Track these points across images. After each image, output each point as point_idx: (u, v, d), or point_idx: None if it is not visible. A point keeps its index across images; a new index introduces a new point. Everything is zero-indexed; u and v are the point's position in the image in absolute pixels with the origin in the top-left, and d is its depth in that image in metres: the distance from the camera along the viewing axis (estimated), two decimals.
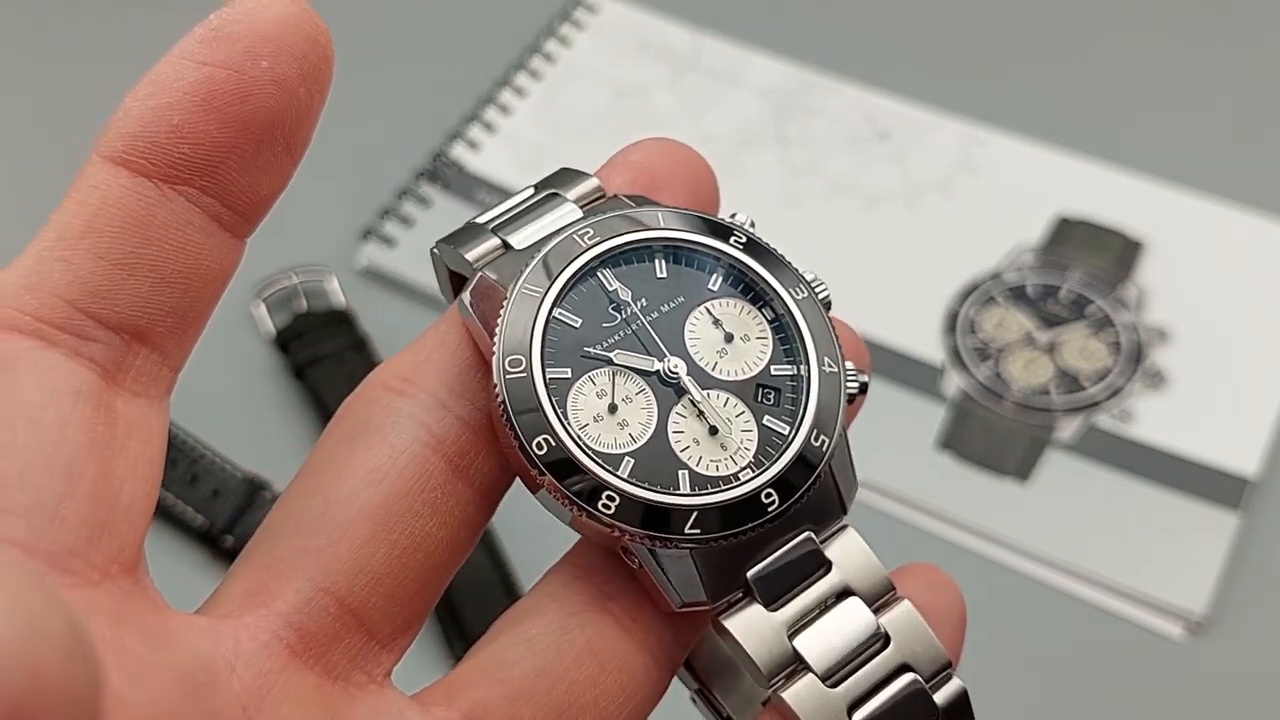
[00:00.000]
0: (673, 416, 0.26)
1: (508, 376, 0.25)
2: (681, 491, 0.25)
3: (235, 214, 0.24)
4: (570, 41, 0.69)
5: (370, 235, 0.62)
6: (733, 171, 0.64)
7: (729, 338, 0.27)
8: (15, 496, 0.21)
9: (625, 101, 0.67)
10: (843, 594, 0.26)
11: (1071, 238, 0.62)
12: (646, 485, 0.25)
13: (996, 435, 0.56)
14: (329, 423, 0.26)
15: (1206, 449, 0.55)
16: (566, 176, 0.28)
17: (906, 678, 0.26)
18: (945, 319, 0.59)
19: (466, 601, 0.50)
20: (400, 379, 0.26)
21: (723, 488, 0.25)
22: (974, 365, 0.58)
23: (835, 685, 0.25)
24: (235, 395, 0.58)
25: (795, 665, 0.25)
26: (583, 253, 0.26)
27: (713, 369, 0.26)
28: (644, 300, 0.26)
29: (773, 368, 0.27)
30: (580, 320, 0.26)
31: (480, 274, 0.26)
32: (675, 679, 0.27)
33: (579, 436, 0.25)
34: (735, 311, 0.27)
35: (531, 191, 0.28)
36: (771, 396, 0.26)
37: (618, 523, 0.24)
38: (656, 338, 0.26)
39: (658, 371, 0.26)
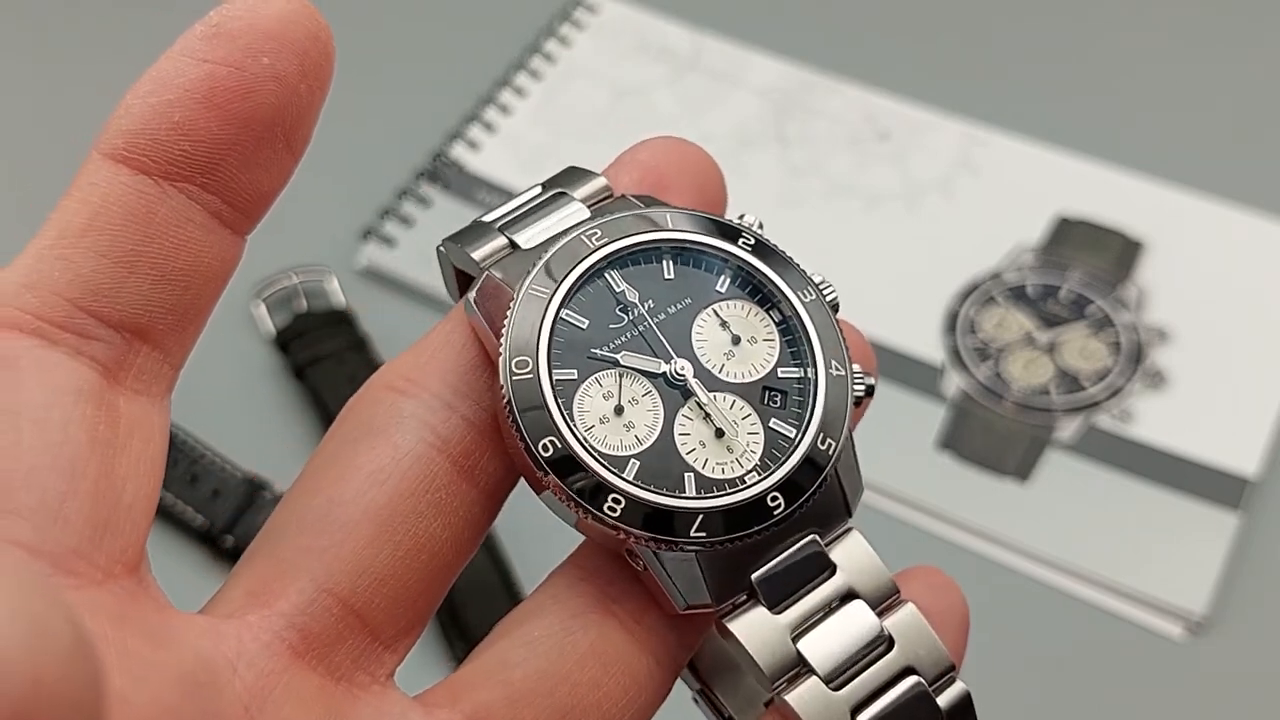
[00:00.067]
0: (679, 419, 0.26)
1: (514, 377, 0.25)
2: (687, 494, 0.25)
3: (236, 211, 0.24)
4: (570, 41, 0.69)
5: (370, 235, 0.62)
6: (733, 171, 0.63)
7: (736, 340, 0.26)
8: (21, 498, 0.21)
9: (625, 101, 0.67)
10: (847, 597, 0.26)
11: (1071, 238, 0.62)
12: (652, 487, 0.25)
13: (996, 435, 0.56)
14: (332, 423, 0.26)
15: (1206, 449, 0.55)
16: (574, 176, 0.28)
17: (910, 681, 0.26)
18: (945, 319, 0.59)
19: (468, 603, 0.50)
20: (404, 379, 0.26)
21: (728, 491, 0.25)
22: (974, 365, 0.58)
23: (839, 688, 0.25)
24: (235, 395, 0.58)
25: (799, 668, 0.25)
26: (590, 253, 0.26)
27: (720, 371, 0.26)
28: (651, 301, 0.26)
29: (780, 370, 0.26)
30: (587, 321, 0.26)
31: (487, 273, 0.26)
32: (677, 679, 0.27)
33: (585, 438, 0.25)
34: (743, 313, 0.27)
35: (539, 190, 0.28)
36: (778, 399, 0.26)
37: (623, 525, 0.24)
38: (664, 339, 0.26)
39: (664, 373, 0.26)
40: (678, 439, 0.25)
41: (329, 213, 0.62)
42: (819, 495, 0.26)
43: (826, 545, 0.26)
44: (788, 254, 0.27)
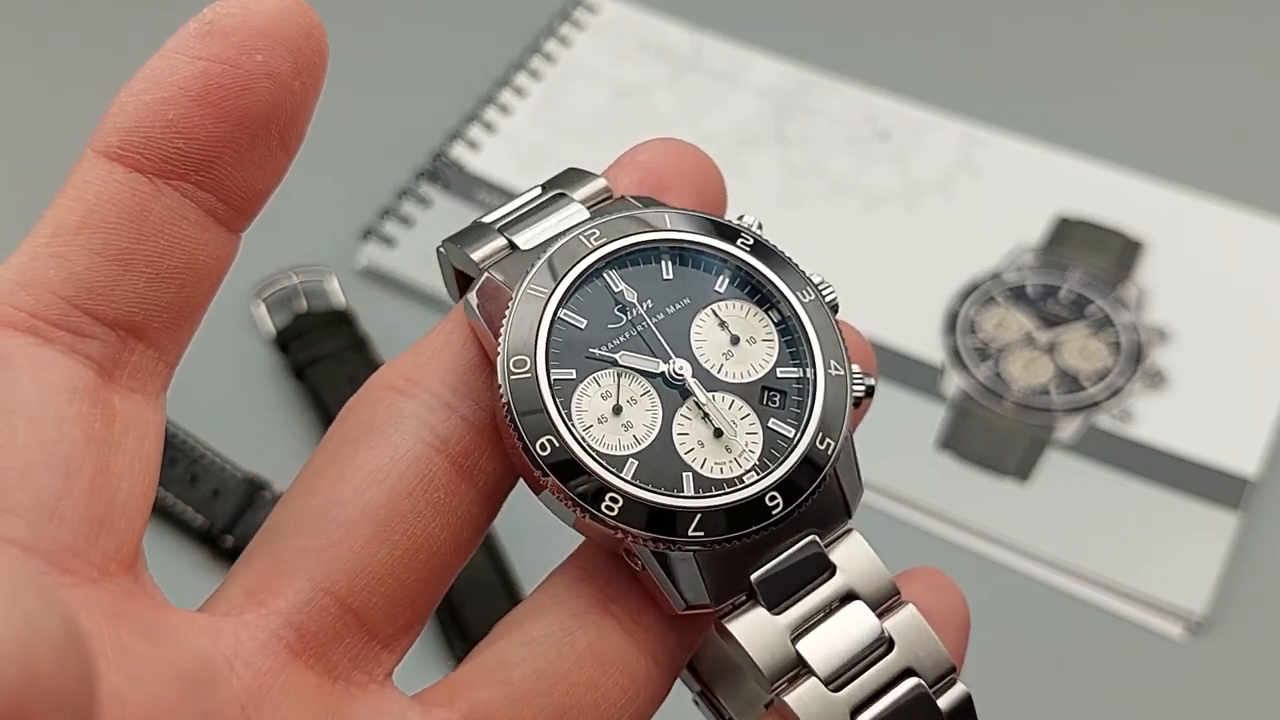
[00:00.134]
0: (678, 418, 0.26)
1: (512, 377, 0.25)
2: (686, 494, 0.25)
3: (230, 209, 0.24)
4: (570, 41, 0.69)
5: (370, 235, 0.62)
6: (733, 171, 0.64)
7: (735, 340, 0.26)
8: (16, 496, 0.21)
9: (625, 101, 0.67)
10: (847, 598, 0.26)
11: (1071, 238, 0.62)
12: (651, 487, 0.25)
13: (996, 435, 0.56)
14: (332, 423, 0.26)
15: (1206, 449, 0.55)
16: (574, 177, 0.28)
17: (910, 682, 0.25)
18: (945, 319, 0.59)
19: (467, 602, 0.50)
20: (404, 379, 0.26)
21: (727, 490, 0.25)
22: (974, 365, 0.58)
23: (838, 689, 0.25)
24: (235, 395, 0.58)
25: (798, 669, 0.25)
26: (589, 253, 0.26)
27: (718, 371, 0.26)
28: (650, 302, 0.26)
29: (779, 370, 0.26)
30: (586, 321, 0.26)
31: (486, 274, 0.26)
32: (678, 681, 0.27)
33: (583, 438, 0.25)
34: (741, 314, 0.27)
35: (538, 191, 0.28)
36: (777, 399, 0.26)
37: (621, 525, 0.24)
38: (662, 339, 0.26)
39: (663, 373, 0.26)
40: (676, 439, 0.25)
41: (329, 213, 0.62)
42: (818, 495, 0.26)
43: (826, 546, 0.26)
44: (787, 254, 0.27)
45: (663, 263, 0.27)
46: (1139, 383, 0.57)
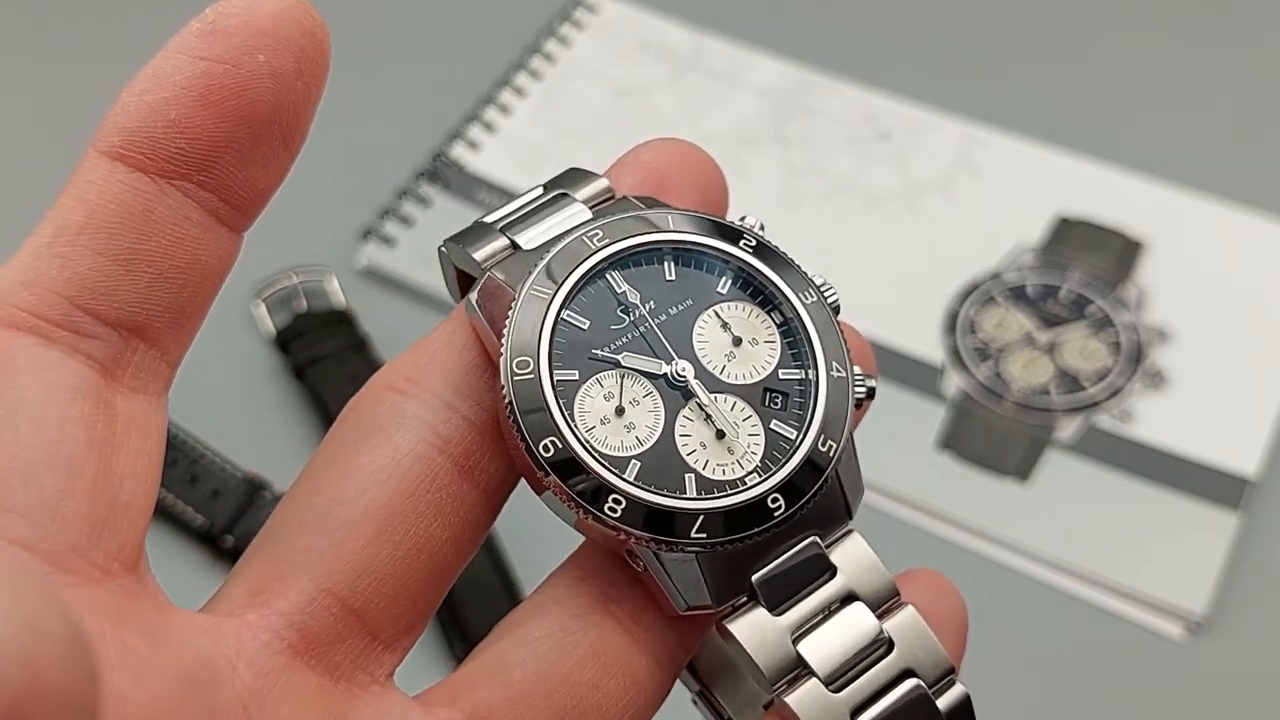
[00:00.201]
0: (680, 420, 0.26)
1: (515, 378, 0.25)
2: (688, 495, 0.25)
3: (232, 209, 0.24)
4: (570, 41, 0.69)
5: (370, 235, 0.62)
6: (733, 171, 0.63)
7: (737, 341, 0.26)
8: (19, 495, 0.21)
9: (625, 101, 0.67)
10: (847, 599, 0.26)
11: (1071, 238, 0.62)
12: (653, 488, 0.25)
13: (996, 435, 0.56)
14: (333, 423, 0.26)
15: (1206, 449, 0.55)
16: (576, 177, 0.28)
17: (910, 683, 0.26)
18: (945, 319, 0.59)
19: (467, 602, 0.50)
20: (405, 379, 0.26)
21: (729, 492, 0.25)
22: (974, 365, 0.58)
23: (838, 690, 0.25)
24: (235, 395, 0.58)
25: (799, 669, 0.25)
26: (591, 254, 0.26)
27: (721, 372, 0.26)
28: (652, 303, 0.26)
29: (781, 372, 0.26)
30: (588, 322, 0.26)
31: (488, 274, 0.26)
32: (677, 681, 0.27)
33: (586, 439, 0.25)
34: (744, 315, 0.27)
35: (540, 191, 0.28)
36: (779, 401, 0.26)
37: (623, 525, 0.24)
38: (665, 340, 0.26)
39: (665, 374, 0.26)
40: (678, 440, 0.25)
41: (329, 213, 0.62)
42: (819, 497, 0.26)
43: (827, 547, 0.26)
44: (789, 256, 0.27)
45: (665, 264, 0.27)
46: (1139, 383, 0.57)
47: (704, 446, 0.25)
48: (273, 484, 0.54)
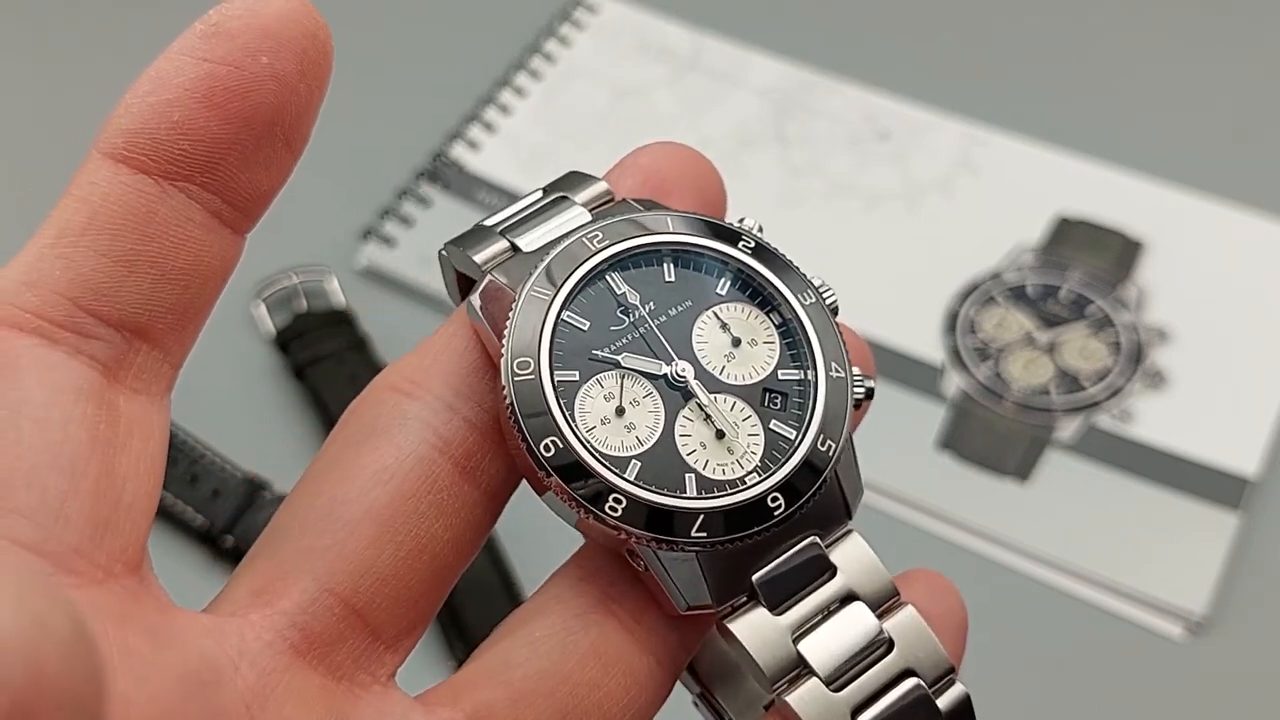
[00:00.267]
0: (680, 420, 0.26)
1: (516, 379, 0.25)
2: (688, 495, 0.25)
3: (235, 210, 0.24)
4: (570, 41, 0.69)
5: (370, 235, 0.62)
6: (733, 171, 0.64)
7: (736, 342, 0.27)
8: (22, 496, 0.21)
9: (625, 102, 0.67)
10: (847, 599, 0.26)
11: (1071, 238, 0.62)
12: (653, 488, 0.25)
13: (996, 435, 0.56)
14: (336, 424, 0.26)
15: (1206, 449, 0.55)
16: (575, 180, 0.28)
17: (910, 683, 0.26)
18: (945, 319, 0.59)
19: (468, 603, 0.50)
20: (407, 381, 0.26)
21: (729, 491, 0.25)
22: (974, 365, 0.58)
23: (839, 689, 0.25)
24: (235, 395, 0.58)
25: (799, 669, 0.25)
26: (591, 256, 0.26)
27: (720, 373, 0.26)
28: (652, 304, 0.26)
29: (780, 372, 0.27)
30: (588, 323, 0.26)
31: (489, 276, 0.26)
32: (677, 682, 0.27)
33: (586, 439, 0.25)
34: (743, 316, 0.27)
35: (540, 194, 0.28)
36: (778, 401, 0.26)
37: (624, 525, 0.24)
38: (664, 341, 0.26)
39: (665, 375, 0.26)
40: (678, 440, 0.25)
41: (329, 213, 0.62)
42: (819, 497, 0.26)
43: (827, 547, 0.26)
44: (788, 257, 0.27)
45: (665, 265, 0.27)
46: (1139, 383, 0.57)
47: (704, 446, 0.26)
48: (273, 484, 0.54)
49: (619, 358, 0.26)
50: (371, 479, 0.25)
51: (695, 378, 0.26)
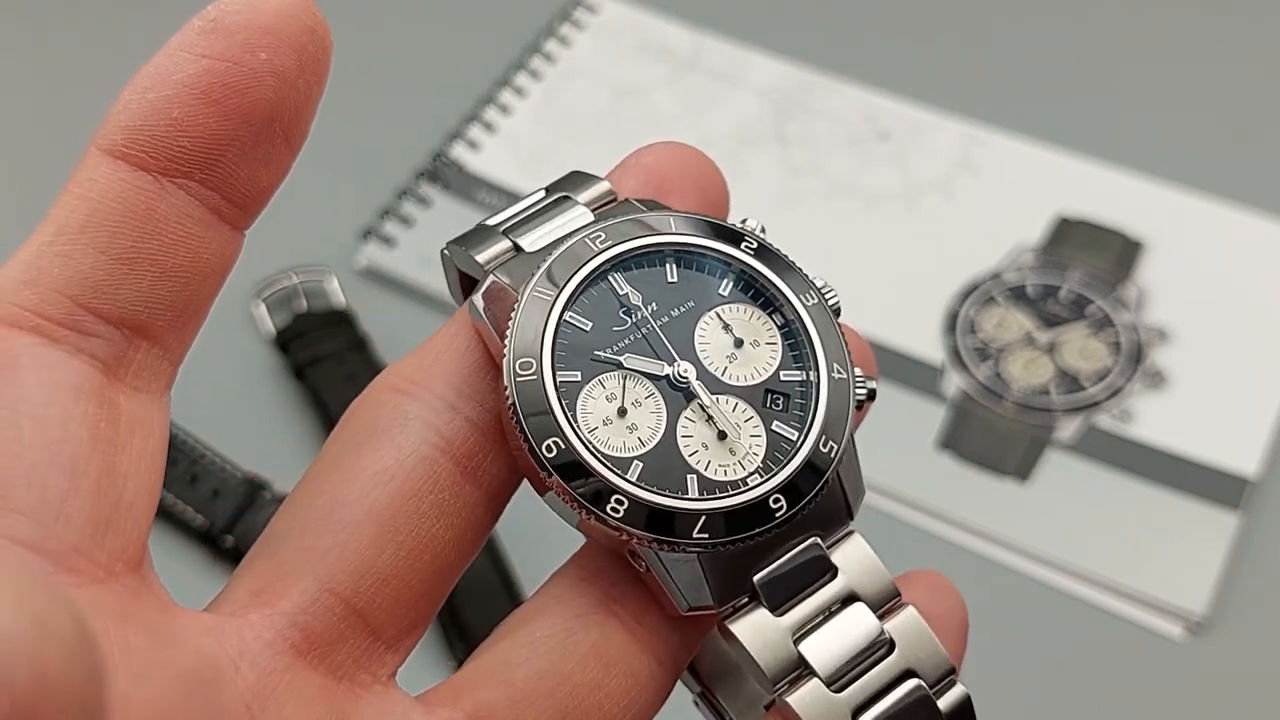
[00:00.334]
0: (682, 421, 0.26)
1: (518, 379, 0.25)
2: (690, 496, 0.25)
3: (234, 206, 0.24)
4: (570, 41, 0.69)
5: (370, 235, 0.62)
6: (733, 171, 0.63)
7: (739, 343, 0.27)
8: (22, 495, 0.21)
9: (625, 102, 0.67)
10: (848, 599, 0.26)
11: (1071, 238, 0.62)
12: (655, 489, 0.25)
13: (996, 435, 0.56)
14: (337, 424, 0.26)
15: (1206, 449, 0.55)
16: (578, 179, 0.28)
17: (911, 683, 0.26)
18: (945, 319, 0.59)
19: (468, 603, 0.50)
20: (408, 381, 0.26)
21: (731, 493, 0.25)
22: (974, 365, 0.58)
23: (840, 690, 0.25)
24: (235, 395, 0.58)
25: (800, 670, 0.25)
26: (594, 256, 0.26)
27: (722, 374, 0.26)
28: (654, 304, 0.26)
29: (782, 373, 0.27)
30: (591, 324, 0.26)
31: (491, 276, 0.26)
32: (678, 682, 0.27)
33: (588, 440, 0.25)
34: (745, 317, 0.27)
35: (542, 194, 0.28)
36: (780, 402, 0.26)
37: (625, 526, 0.24)
38: (667, 342, 0.26)
39: (667, 376, 0.26)
40: (680, 441, 0.25)
41: (329, 213, 0.62)
42: (820, 498, 0.26)
43: (828, 548, 0.26)
44: (790, 258, 0.27)
45: (667, 266, 0.27)
46: (1139, 383, 0.57)
47: (706, 447, 0.25)
48: (273, 484, 0.54)
49: (621, 358, 0.26)
50: (372, 479, 0.25)
51: (697, 378, 0.26)
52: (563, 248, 0.26)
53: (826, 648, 0.25)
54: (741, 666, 0.26)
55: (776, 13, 0.71)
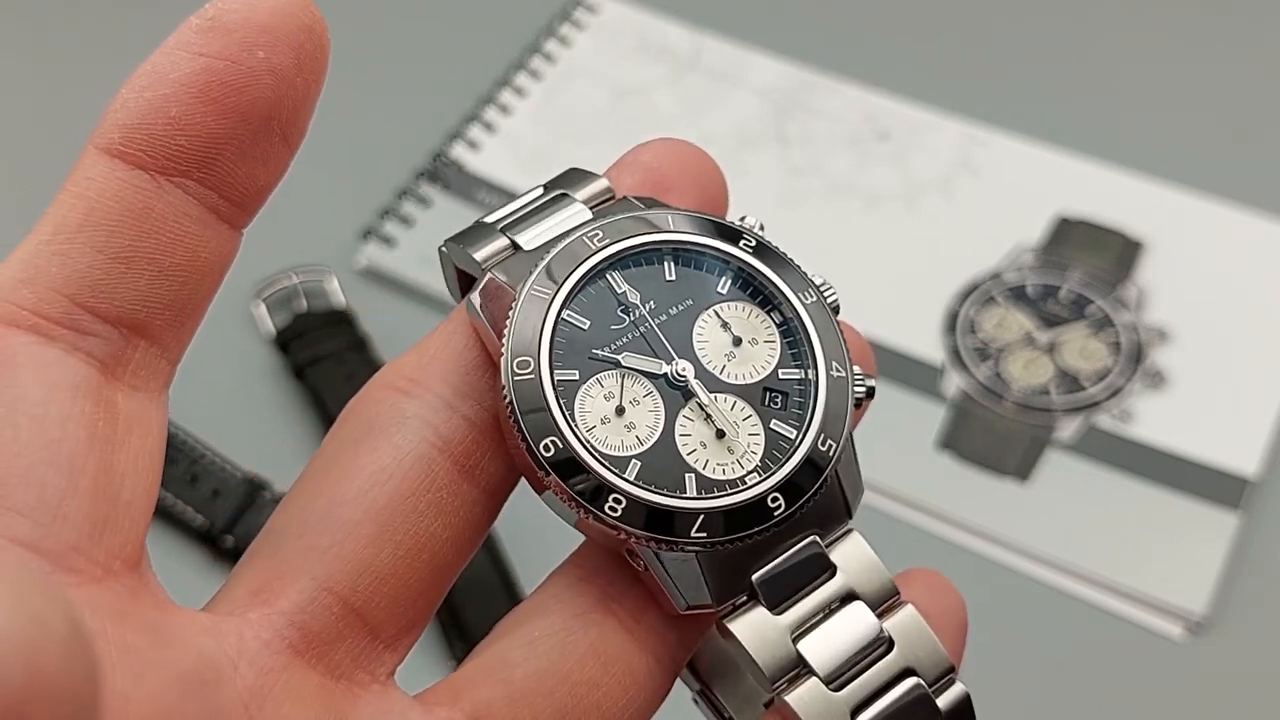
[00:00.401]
0: (680, 419, 0.26)
1: (516, 378, 0.25)
2: (688, 495, 0.25)
3: (232, 205, 0.24)
4: (570, 41, 0.69)
5: (370, 235, 0.62)
6: (733, 171, 0.63)
7: (737, 341, 0.27)
8: (19, 494, 0.21)
9: (625, 101, 0.67)
10: (847, 598, 0.26)
11: (1071, 238, 0.62)
12: (653, 488, 0.25)
13: (996, 435, 0.56)
14: (334, 423, 0.26)
15: (1206, 449, 0.55)
16: (576, 177, 0.28)
17: (910, 682, 0.26)
18: (945, 319, 0.59)
19: (467, 602, 0.50)
20: (406, 379, 0.26)
21: (729, 491, 0.25)
22: (974, 365, 0.58)
23: (839, 689, 0.25)
24: (235, 395, 0.58)
25: (799, 668, 0.25)
26: (592, 254, 0.26)
27: (721, 372, 0.26)
28: (653, 303, 0.26)
29: (780, 372, 0.26)
30: (589, 322, 0.26)
31: (489, 274, 0.26)
32: (677, 680, 0.27)
33: (586, 438, 0.25)
34: (744, 315, 0.27)
35: (541, 191, 0.28)
36: (779, 400, 0.26)
37: (623, 525, 0.24)
38: (665, 340, 0.26)
39: (666, 374, 0.26)
40: (679, 440, 0.25)
41: (329, 213, 0.62)
42: (819, 496, 0.26)
43: (827, 546, 0.26)
44: (789, 256, 0.27)
45: (665, 264, 0.27)
46: (1139, 383, 0.57)
47: (704, 446, 0.25)
48: (273, 484, 0.54)
49: (619, 357, 0.26)
50: (370, 478, 0.25)
51: (695, 377, 0.26)
52: (561, 246, 0.26)
53: (825, 646, 0.25)
54: (740, 665, 0.26)
55: (776, 13, 0.71)
